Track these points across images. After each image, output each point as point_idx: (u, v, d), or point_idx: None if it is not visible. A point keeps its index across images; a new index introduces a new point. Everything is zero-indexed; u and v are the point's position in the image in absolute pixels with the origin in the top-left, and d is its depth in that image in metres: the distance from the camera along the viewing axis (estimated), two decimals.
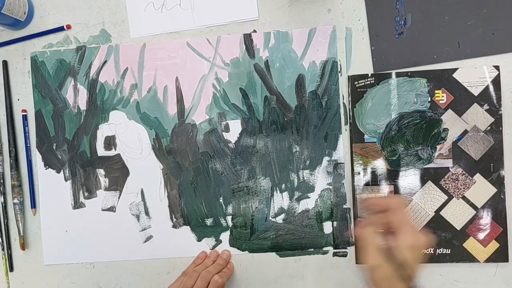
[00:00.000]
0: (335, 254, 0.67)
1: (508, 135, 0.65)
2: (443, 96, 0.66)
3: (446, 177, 0.66)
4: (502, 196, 0.65)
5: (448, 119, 0.66)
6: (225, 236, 0.69)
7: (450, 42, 0.66)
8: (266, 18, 0.69)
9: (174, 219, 0.69)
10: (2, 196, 0.71)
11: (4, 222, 0.71)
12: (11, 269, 0.71)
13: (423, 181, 0.66)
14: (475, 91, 0.65)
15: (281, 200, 0.68)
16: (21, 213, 0.70)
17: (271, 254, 0.68)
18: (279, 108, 0.68)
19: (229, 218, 0.69)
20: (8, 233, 0.71)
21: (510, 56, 0.66)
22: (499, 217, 0.65)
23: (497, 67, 0.65)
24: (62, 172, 0.70)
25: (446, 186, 0.66)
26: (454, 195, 0.66)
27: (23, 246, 0.70)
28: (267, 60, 0.68)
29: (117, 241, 0.70)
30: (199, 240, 0.69)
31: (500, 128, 0.65)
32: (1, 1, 0.64)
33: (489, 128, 0.65)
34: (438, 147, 0.66)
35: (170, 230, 0.69)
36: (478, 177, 0.65)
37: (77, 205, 0.70)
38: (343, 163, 0.67)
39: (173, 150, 0.69)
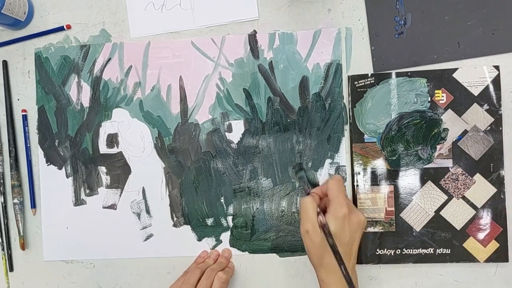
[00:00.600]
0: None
1: (508, 135, 0.65)
2: (443, 96, 0.66)
3: (446, 177, 0.66)
4: (502, 196, 0.65)
5: (448, 119, 0.66)
6: (225, 236, 0.69)
7: (450, 42, 0.66)
8: (266, 18, 0.69)
9: (175, 218, 0.69)
10: (2, 196, 0.71)
11: (4, 222, 0.71)
12: (11, 269, 0.71)
13: (423, 181, 0.66)
14: (475, 91, 0.65)
15: (282, 201, 0.68)
16: (21, 213, 0.70)
17: (271, 254, 0.68)
18: (282, 109, 0.68)
19: (229, 218, 0.69)
20: (8, 233, 0.71)
21: (510, 56, 0.66)
22: (499, 217, 0.65)
23: (497, 67, 0.65)
24: (64, 168, 0.70)
25: (446, 186, 0.66)
26: (454, 195, 0.66)
27: (23, 246, 0.70)
28: (271, 61, 0.68)
29: (118, 239, 0.70)
30: (199, 239, 0.69)
31: (500, 128, 0.65)
32: (1, 1, 0.64)
33: (489, 128, 0.65)
34: (438, 147, 0.66)
35: (171, 229, 0.69)
36: (478, 177, 0.65)
37: (78, 202, 0.70)
38: (345, 166, 0.67)
39: (175, 149, 0.69)
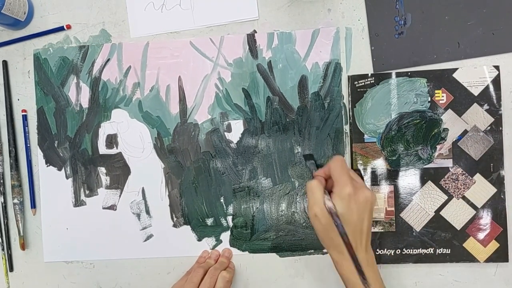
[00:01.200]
0: None
1: (508, 135, 0.65)
2: (443, 96, 0.66)
3: (446, 177, 0.66)
4: (502, 196, 0.65)
5: (448, 119, 0.66)
6: (225, 236, 0.69)
7: (450, 42, 0.66)
8: (266, 18, 0.69)
9: (175, 219, 0.69)
10: (2, 196, 0.71)
11: (4, 222, 0.71)
12: (11, 269, 0.71)
13: (423, 181, 0.66)
14: (475, 91, 0.65)
15: (282, 200, 0.68)
16: (21, 213, 0.70)
17: (271, 254, 0.68)
18: (281, 109, 0.68)
19: (229, 218, 0.69)
20: (8, 233, 0.71)
21: (510, 56, 0.66)
22: (499, 217, 0.65)
23: (497, 67, 0.65)
24: (63, 169, 0.70)
25: (446, 186, 0.66)
26: (454, 195, 0.66)
27: (23, 246, 0.70)
28: (270, 61, 0.68)
29: (117, 239, 0.70)
30: (199, 239, 0.69)
31: (500, 128, 0.65)
32: (1, 1, 0.64)
33: (489, 128, 0.65)
34: (438, 147, 0.66)
35: (171, 230, 0.69)
36: (478, 177, 0.65)
37: (78, 203, 0.70)
38: None
39: (174, 149, 0.69)
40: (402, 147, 0.66)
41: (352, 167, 0.67)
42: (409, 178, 0.66)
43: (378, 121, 0.66)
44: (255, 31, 0.69)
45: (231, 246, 0.69)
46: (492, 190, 0.65)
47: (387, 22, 0.67)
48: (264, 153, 0.68)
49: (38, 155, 0.71)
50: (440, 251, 0.66)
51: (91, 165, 0.70)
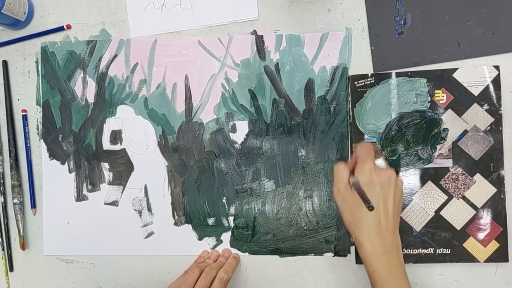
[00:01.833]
0: (335, 254, 0.67)
1: (508, 135, 0.65)
2: (443, 96, 0.66)
3: (446, 177, 0.66)
4: (502, 196, 0.65)
5: (448, 119, 0.66)
6: (226, 237, 0.69)
7: (450, 42, 0.66)
8: (266, 18, 0.69)
9: (176, 217, 0.69)
10: (2, 196, 0.71)
11: (4, 222, 0.71)
12: (11, 269, 0.71)
13: (423, 181, 0.66)
14: (475, 91, 0.65)
15: (284, 203, 0.68)
16: (21, 213, 0.70)
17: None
18: (287, 111, 0.68)
19: (231, 218, 0.69)
20: (8, 233, 0.71)
21: (510, 56, 0.66)
22: (499, 217, 0.65)
23: (497, 67, 0.65)
24: (66, 163, 0.70)
25: (446, 186, 0.66)
26: (454, 195, 0.66)
27: (23, 246, 0.70)
28: (277, 63, 0.68)
29: (118, 235, 0.70)
30: (200, 239, 0.69)
31: (500, 128, 0.65)
32: (1, 1, 0.64)
33: (489, 128, 0.65)
34: (438, 147, 0.66)
35: (172, 228, 0.69)
36: (478, 177, 0.65)
37: (80, 197, 0.70)
38: None
39: (178, 148, 0.69)
40: (402, 147, 0.66)
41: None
42: (409, 178, 0.66)
43: (378, 121, 0.66)
44: (255, 31, 0.69)
45: (231, 246, 0.69)
46: (492, 190, 0.65)
47: (387, 22, 0.67)
48: (268, 155, 0.68)
49: (41, 149, 0.71)
50: (440, 251, 0.66)
51: (94, 160, 0.70)
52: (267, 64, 0.68)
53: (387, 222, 0.55)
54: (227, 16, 0.69)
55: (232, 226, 0.69)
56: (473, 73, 0.65)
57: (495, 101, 0.65)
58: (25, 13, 0.69)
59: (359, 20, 0.68)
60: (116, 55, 0.70)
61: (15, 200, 0.70)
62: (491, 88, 0.65)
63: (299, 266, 0.68)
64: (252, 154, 0.68)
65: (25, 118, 0.71)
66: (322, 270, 0.68)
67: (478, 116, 0.65)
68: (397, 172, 0.66)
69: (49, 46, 0.71)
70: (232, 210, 0.68)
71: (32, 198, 0.70)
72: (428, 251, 0.66)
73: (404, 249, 0.66)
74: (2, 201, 0.71)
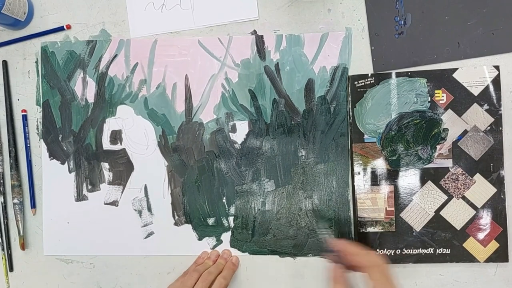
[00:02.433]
0: None
1: (508, 135, 0.65)
2: (443, 96, 0.66)
3: (446, 177, 0.66)
4: (502, 196, 0.65)
5: (448, 119, 0.66)
6: (226, 237, 0.69)
7: (450, 42, 0.66)
8: (266, 18, 0.69)
9: (176, 217, 0.69)
10: (2, 196, 0.71)
11: (4, 222, 0.71)
12: (11, 269, 0.71)
13: (423, 181, 0.66)
14: (475, 91, 0.65)
15: (284, 203, 0.68)
16: (21, 213, 0.70)
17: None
18: (287, 112, 0.68)
19: (231, 218, 0.69)
20: (8, 233, 0.71)
21: (510, 56, 0.66)
22: (499, 217, 0.65)
23: (497, 67, 0.65)
24: (66, 163, 0.70)
25: (446, 186, 0.66)
26: (454, 195, 0.66)
27: (23, 246, 0.70)
28: (277, 63, 0.68)
29: (118, 235, 0.70)
30: (200, 239, 0.69)
31: (500, 128, 0.65)
32: (1, 1, 0.64)
33: (489, 128, 0.65)
34: (438, 147, 0.66)
35: (172, 228, 0.69)
36: (478, 177, 0.65)
37: (80, 197, 0.70)
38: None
39: (178, 148, 0.69)
40: (402, 147, 0.66)
41: (352, 167, 0.67)
42: (409, 178, 0.66)
43: (378, 121, 0.66)
44: (255, 31, 0.69)
45: (231, 246, 0.69)
46: (492, 190, 0.65)
47: (387, 22, 0.67)
48: (268, 155, 0.68)
49: (41, 149, 0.71)
50: (440, 251, 0.66)
51: (94, 160, 0.70)
52: (267, 64, 0.68)
53: None
54: (227, 16, 0.69)
55: (232, 226, 0.69)
56: (473, 73, 0.65)
57: (495, 101, 0.65)
58: (25, 13, 0.69)
59: (359, 20, 0.68)
60: (116, 55, 0.70)
61: (15, 200, 0.70)
62: (491, 88, 0.65)
63: (299, 266, 0.68)
64: (252, 154, 0.68)
65: (25, 118, 0.71)
66: (322, 270, 0.68)
67: (478, 116, 0.65)
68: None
69: (49, 46, 0.71)
70: (232, 210, 0.68)
71: (32, 198, 0.70)
72: (428, 251, 0.66)
73: (404, 249, 0.66)
74: (2, 201, 0.71)
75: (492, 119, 0.65)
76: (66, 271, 0.71)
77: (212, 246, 0.69)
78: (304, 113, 0.68)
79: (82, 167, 0.70)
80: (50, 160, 0.71)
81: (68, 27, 0.71)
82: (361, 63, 0.67)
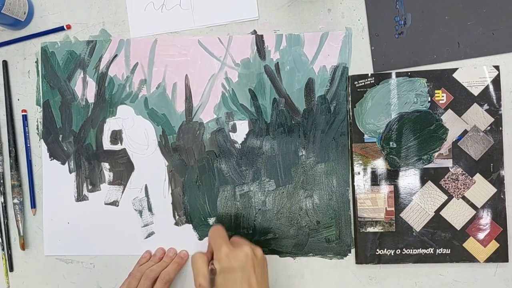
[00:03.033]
0: (335, 254, 0.67)
1: (508, 135, 0.65)
2: (443, 96, 0.66)
3: (446, 177, 0.66)
4: (502, 196, 0.65)
5: (448, 119, 0.66)
6: None
7: (450, 42, 0.66)
8: (266, 18, 0.69)
9: (177, 217, 0.69)
10: (2, 196, 0.71)
11: (4, 222, 0.71)
12: (11, 269, 0.71)
13: (423, 181, 0.66)
14: (475, 91, 0.65)
15: (284, 203, 0.68)
16: (21, 213, 0.70)
17: (271, 254, 0.68)
18: (287, 111, 0.68)
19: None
20: (8, 233, 0.71)
21: (510, 56, 0.66)
22: (499, 217, 0.65)
23: (497, 67, 0.65)
24: (67, 163, 0.70)
25: (446, 186, 0.66)
26: (454, 195, 0.66)
27: (23, 246, 0.70)
28: (277, 62, 0.68)
29: (119, 235, 0.70)
30: (200, 239, 0.69)
31: (500, 128, 0.65)
32: (1, 1, 0.64)
33: (489, 128, 0.65)
34: (438, 147, 0.66)
35: (172, 228, 0.69)
36: (478, 177, 0.65)
37: (80, 197, 0.70)
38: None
39: (179, 148, 0.69)
40: (402, 147, 0.66)
41: (352, 167, 0.67)
42: (409, 178, 0.66)
43: (378, 121, 0.66)
44: (255, 31, 0.69)
45: None
46: (492, 190, 0.65)
47: (387, 22, 0.67)
48: (268, 155, 0.68)
49: (42, 148, 0.71)
50: (440, 251, 0.66)
51: (94, 160, 0.70)
52: (267, 63, 0.68)
53: None
54: (227, 16, 0.69)
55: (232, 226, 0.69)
56: (473, 73, 0.65)
57: (495, 101, 0.65)
58: (25, 13, 0.69)
59: (359, 20, 0.68)
60: (116, 55, 0.70)
61: (15, 200, 0.70)
62: (491, 88, 0.65)
63: (299, 266, 0.68)
64: (252, 154, 0.68)
65: (25, 118, 0.71)
66: (322, 270, 0.68)
67: (478, 116, 0.65)
68: (260, 243, 0.66)
69: (49, 46, 0.71)
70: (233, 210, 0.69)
71: (32, 198, 0.70)
72: (428, 251, 0.66)
73: (404, 249, 0.66)
74: (2, 201, 0.71)
75: (492, 119, 0.65)
76: (66, 271, 0.71)
77: None
78: (304, 112, 0.68)
79: (82, 167, 0.70)
80: (51, 160, 0.71)
81: (68, 27, 0.71)
82: (361, 63, 0.68)
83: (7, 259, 0.71)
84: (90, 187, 0.70)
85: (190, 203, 0.69)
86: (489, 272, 0.66)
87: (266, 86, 0.68)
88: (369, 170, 0.66)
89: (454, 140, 0.66)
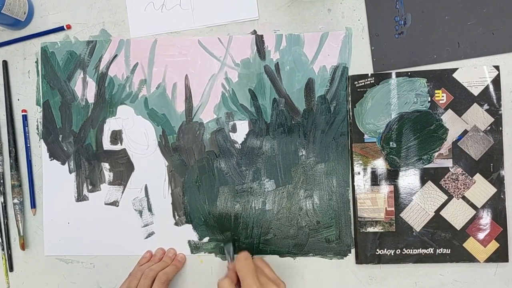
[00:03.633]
0: (335, 254, 0.67)
1: (508, 135, 0.65)
2: (443, 96, 0.66)
3: (446, 177, 0.66)
4: (502, 196, 0.65)
5: (448, 119, 0.66)
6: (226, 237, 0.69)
7: (450, 42, 0.66)
8: (266, 18, 0.69)
9: (177, 217, 0.69)
10: (2, 196, 0.71)
11: (4, 222, 0.71)
12: (11, 269, 0.71)
13: (423, 181, 0.66)
14: (475, 91, 0.65)
15: (284, 203, 0.68)
16: (21, 213, 0.70)
17: (271, 254, 0.68)
18: (287, 111, 0.68)
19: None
20: (8, 233, 0.71)
21: (510, 56, 0.66)
22: (499, 217, 0.65)
23: (497, 67, 0.65)
24: (67, 164, 0.70)
25: (446, 186, 0.66)
26: (454, 195, 0.66)
27: (23, 246, 0.70)
28: (277, 63, 0.68)
29: (119, 235, 0.70)
30: (200, 239, 0.69)
31: (500, 128, 0.65)
32: (1, 1, 0.64)
33: (489, 128, 0.65)
34: (438, 147, 0.66)
35: (172, 228, 0.69)
36: (478, 177, 0.65)
37: (81, 197, 0.70)
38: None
39: (179, 148, 0.69)
40: (402, 147, 0.66)
41: (352, 167, 0.67)
42: (409, 178, 0.66)
43: (378, 121, 0.66)
44: (255, 31, 0.69)
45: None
46: (492, 190, 0.65)
47: (387, 22, 0.67)
48: (268, 155, 0.68)
49: (42, 149, 0.71)
50: (440, 251, 0.66)
51: (94, 161, 0.70)
52: (267, 63, 0.68)
53: None
54: (227, 16, 0.69)
55: (232, 226, 0.68)
56: (473, 73, 0.65)
57: (495, 101, 0.65)
58: (25, 13, 0.69)
59: (359, 20, 0.68)
60: (116, 55, 0.70)
61: (15, 200, 0.70)
62: (491, 88, 0.65)
63: (299, 266, 0.68)
64: (252, 154, 0.68)
65: (25, 118, 0.71)
66: (322, 270, 0.68)
67: (478, 116, 0.65)
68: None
69: (49, 46, 0.71)
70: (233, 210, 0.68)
71: (32, 198, 0.70)
72: (428, 251, 0.66)
73: (404, 249, 0.66)
74: (2, 201, 0.71)
75: (492, 119, 0.65)
76: (66, 271, 0.71)
77: (212, 246, 0.69)
78: (304, 112, 0.68)
79: (82, 167, 0.70)
80: (51, 160, 0.71)
81: (68, 27, 0.71)
82: (361, 63, 0.68)
83: (7, 259, 0.71)
84: (90, 187, 0.70)
85: (190, 203, 0.69)
86: (489, 272, 0.66)
87: (266, 86, 0.68)
88: (369, 170, 0.66)
89: (454, 140, 0.66)
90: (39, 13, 0.71)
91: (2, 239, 0.71)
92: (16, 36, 0.71)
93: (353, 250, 0.67)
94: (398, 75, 0.66)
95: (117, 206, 0.70)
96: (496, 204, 0.65)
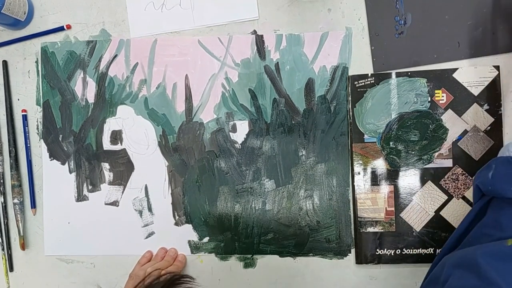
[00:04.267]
0: (335, 254, 0.67)
1: (508, 135, 0.65)
2: (443, 96, 0.66)
3: (446, 177, 0.66)
4: None
5: (448, 119, 0.66)
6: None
7: (450, 42, 0.66)
8: (266, 18, 0.69)
9: (177, 217, 0.69)
10: (2, 196, 0.71)
11: (4, 222, 0.71)
12: (11, 269, 0.71)
13: (423, 181, 0.66)
14: (475, 91, 0.65)
15: (284, 203, 0.68)
16: (21, 213, 0.70)
17: (271, 254, 0.68)
18: (287, 111, 0.68)
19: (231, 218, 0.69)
20: (8, 233, 0.71)
21: (510, 56, 0.66)
22: None
23: (497, 67, 0.65)
24: (67, 164, 0.70)
25: (446, 186, 0.66)
26: (454, 195, 0.66)
27: (23, 246, 0.70)
28: (277, 62, 0.68)
29: (119, 235, 0.70)
30: (200, 239, 0.69)
31: (500, 128, 0.65)
32: (1, 1, 0.64)
33: (489, 128, 0.65)
34: (438, 147, 0.66)
35: (172, 228, 0.69)
36: None
37: (81, 197, 0.70)
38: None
39: (179, 148, 0.69)
40: (402, 147, 0.66)
41: (352, 167, 0.67)
42: (409, 178, 0.66)
43: (378, 121, 0.66)
44: (255, 31, 0.69)
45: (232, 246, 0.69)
46: None
47: (387, 22, 0.67)
48: (268, 155, 0.68)
49: (42, 149, 0.71)
50: (440, 251, 0.65)
51: (95, 160, 0.70)
52: (267, 63, 0.68)
53: None
54: (227, 16, 0.69)
55: (232, 226, 0.68)
56: (473, 73, 0.65)
57: (495, 101, 0.65)
58: (25, 13, 0.69)
59: (359, 20, 0.68)
60: (116, 55, 0.70)
61: (15, 200, 0.70)
62: (491, 88, 0.65)
63: (299, 266, 0.68)
64: (252, 154, 0.68)
65: (25, 118, 0.71)
66: (322, 270, 0.68)
67: (478, 116, 0.65)
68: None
69: (49, 46, 0.71)
70: (233, 210, 0.68)
71: (32, 198, 0.70)
72: (428, 251, 0.66)
73: (404, 249, 0.66)
74: (2, 201, 0.71)
75: (492, 119, 0.65)
76: (66, 271, 0.71)
77: (212, 246, 0.69)
78: (304, 112, 0.68)
79: (82, 167, 0.70)
80: (51, 160, 0.70)
81: (68, 27, 0.71)
82: (361, 63, 0.67)
83: (7, 259, 0.71)
84: (90, 187, 0.70)
85: (190, 203, 0.69)
86: None
87: (266, 86, 0.68)
88: (369, 170, 0.66)
89: (454, 140, 0.66)
90: (39, 13, 0.71)
91: (2, 239, 0.71)
92: (16, 36, 0.71)
93: (353, 250, 0.67)
94: (398, 75, 0.66)
95: (117, 206, 0.70)
96: None
